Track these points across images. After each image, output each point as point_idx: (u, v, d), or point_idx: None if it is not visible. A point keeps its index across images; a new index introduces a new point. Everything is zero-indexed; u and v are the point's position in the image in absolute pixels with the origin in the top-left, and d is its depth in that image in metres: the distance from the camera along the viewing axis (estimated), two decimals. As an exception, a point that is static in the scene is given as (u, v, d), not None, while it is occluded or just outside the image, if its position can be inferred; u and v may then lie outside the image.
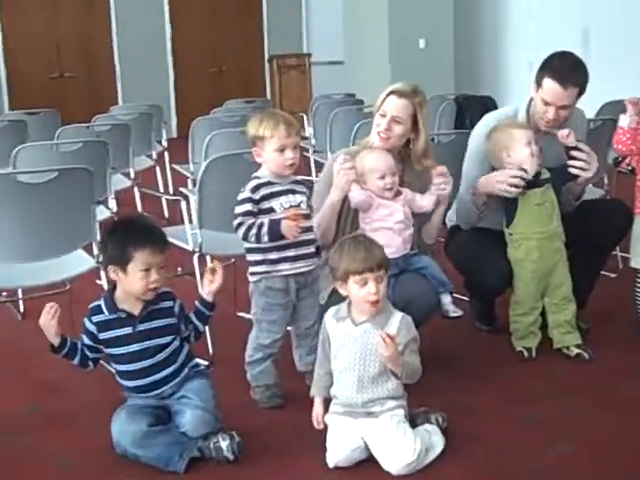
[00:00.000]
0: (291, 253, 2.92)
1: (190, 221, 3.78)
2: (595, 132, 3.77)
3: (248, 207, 2.88)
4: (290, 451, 2.72)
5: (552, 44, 9.75)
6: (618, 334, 3.59)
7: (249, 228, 2.86)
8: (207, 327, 3.36)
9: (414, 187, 3.25)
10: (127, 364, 2.69)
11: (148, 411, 2.68)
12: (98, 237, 3.40)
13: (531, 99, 3.48)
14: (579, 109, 3.54)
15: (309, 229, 2.96)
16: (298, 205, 2.93)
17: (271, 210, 2.89)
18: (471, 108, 7.25)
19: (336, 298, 3.05)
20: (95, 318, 2.67)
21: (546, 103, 3.34)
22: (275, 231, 2.84)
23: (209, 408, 2.68)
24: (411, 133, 3.26)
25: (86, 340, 2.69)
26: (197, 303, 2.80)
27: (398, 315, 2.61)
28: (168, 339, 2.72)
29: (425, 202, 3.21)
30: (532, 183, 3.27)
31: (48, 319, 2.58)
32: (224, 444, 2.59)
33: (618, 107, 5.06)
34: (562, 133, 3.29)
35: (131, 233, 2.65)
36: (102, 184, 4.30)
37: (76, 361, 2.70)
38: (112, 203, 4.46)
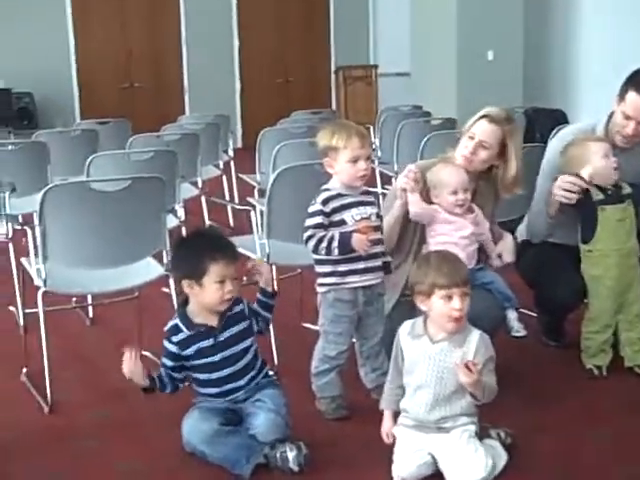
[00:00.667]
0: (360, 265, 2.91)
1: (257, 231, 3.81)
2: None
3: (319, 220, 2.88)
4: (355, 464, 2.71)
5: (626, 60, 9.59)
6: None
7: (320, 241, 2.86)
8: (273, 338, 3.41)
9: (485, 209, 3.23)
10: (209, 373, 2.73)
11: (220, 412, 2.73)
12: (168, 245, 3.44)
13: (611, 115, 3.42)
14: None
15: (379, 241, 2.95)
16: (369, 217, 2.92)
17: (342, 222, 2.89)
18: (541, 121, 7.16)
19: (400, 309, 3.05)
20: (175, 338, 2.71)
21: (627, 117, 3.28)
22: (346, 244, 2.84)
23: (282, 413, 2.72)
24: (497, 159, 3.23)
25: (169, 363, 2.73)
26: (259, 295, 2.85)
27: (476, 333, 2.56)
28: (248, 342, 2.78)
29: (491, 250, 3.22)
30: (614, 198, 3.22)
31: (132, 365, 2.61)
32: (291, 455, 2.60)
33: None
34: None
35: (203, 246, 2.69)
36: (171, 193, 4.35)
37: (169, 390, 2.75)
38: (180, 211, 4.51)
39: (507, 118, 3.23)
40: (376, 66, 11.86)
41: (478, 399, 2.53)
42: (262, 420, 2.69)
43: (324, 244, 2.85)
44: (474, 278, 3.09)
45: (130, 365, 2.60)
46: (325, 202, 2.89)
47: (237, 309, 2.77)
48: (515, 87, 9.79)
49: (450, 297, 2.48)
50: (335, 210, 2.89)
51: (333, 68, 12.41)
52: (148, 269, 3.47)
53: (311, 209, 2.91)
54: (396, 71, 11.64)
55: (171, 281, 3.48)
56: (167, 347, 2.73)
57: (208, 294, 2.65)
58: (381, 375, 3.06)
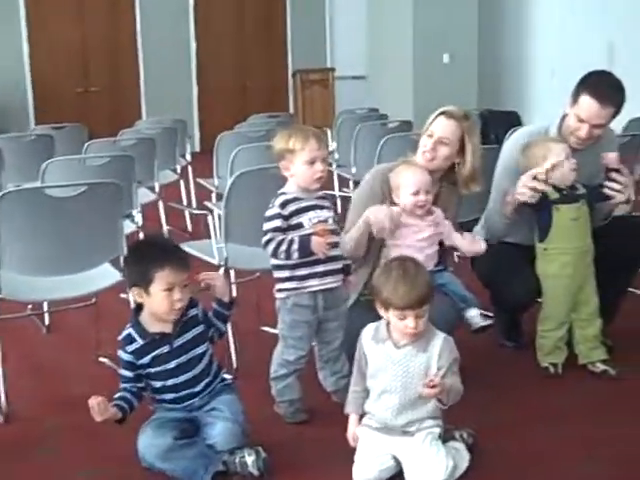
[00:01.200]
0: (320, 269, 2.92)
1: (215, 235, 3.80)
2: (622, 148, 3.75)
3: (277, 223, 2.88)
4: (315, 467, 2.71)
5: (576, 60, 9.75)
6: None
7: (279, 244, 2.86)
8: (232, 341, 3.41)
9: (448, 211, 3.26)
10: (164, 380, 2.70)
11: (174, 424, 2.69)
12: (125, 251, 3.42)
13: (563, 117, 3.46)
14: (610, 129, 3.52)
15: (337, 244, 2.97)
16: (325, 221, 2.93)
17: (300, 226, 2.90)
18: (496, 123, 7.25)
19: (358, 309, 3.07)
20: (130, 348, 2.68)
21: (580, 120, 3.32)
22: (305, 248, 2.84)
23: (239, 421, 2.70)
24: (457, 157, 3.26)
25: (128, 374, 2.69)
26: (214, 305, 2.82)
27: (440, 337, 2.57)
28: (203, 348, 2.75)
29: (457, 241, 3.19)
30: (569, 198, 3.27)
31: (102, 413, 2.55)
32: (250, 460, 2.59)
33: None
34: (611, 157, 3.27)
35: (150, 254, 2.65)
36: (128, 198, 4.32)
37: (136, 404, 2.70)
38: (138, 217, 4.49)
39: (465, 115, 3.27)
40: (333, 69, 11.89)
41: (444, 404, 2.55)
42: (219, 430, 2.66)
43: (283, 247, 2.85)
44: (433, 279, 3.12)
45: (100, 413, 2.54)
46: (283, 205, 2.89)
47: (191, 313, 2.74)
48: (470, 89, 9.90)
49: (405, 317, 2.49)
50: (293, 213, 2.90)
51: (290, 72, 12.42)
52: (105, 275, 3.44)
53: (269, 213, 2.90)
54: (353, 74, 11.69)
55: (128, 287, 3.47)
56: (122, 358, 2.69)
57: (156, 302, 2.61)
58: (341, 378, 3.08)
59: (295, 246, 2.84)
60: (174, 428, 2.67)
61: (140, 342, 2.67)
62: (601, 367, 3.34)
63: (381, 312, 2.57)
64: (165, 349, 2.68)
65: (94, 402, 2.52)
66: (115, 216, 3.41)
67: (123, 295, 3.54)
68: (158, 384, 2.72)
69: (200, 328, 2.76)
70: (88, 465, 2.79)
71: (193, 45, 12.15)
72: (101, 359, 3.64)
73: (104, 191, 3.37)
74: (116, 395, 2.67)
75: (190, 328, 2.73)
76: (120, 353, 2.69)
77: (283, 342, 3.02)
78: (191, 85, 12.24)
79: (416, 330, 2.49)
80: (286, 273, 2.94)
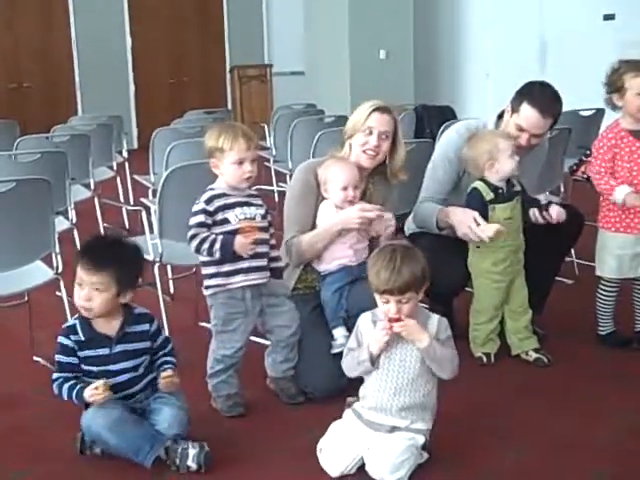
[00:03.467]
0: (245, 265, 2.91)
1: (151, 231, 3.77)
2: (551, 141, 3.83)
3: (201, 218, 2.86)
4: (253, 461, 2.71)
5: (509, 56, 9.92)
6: (575, 339, 3.64)
7: (202, 241, 2.84)
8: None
9: (387, 204, 3.29)
10: (103, 378, 2.66)
11: (122, 403, 2.68)
12: (57, 248, 3.38)
13: (498, 117, 3.52)
14: (544, 138, 3.58)
15: (264, 241, 2.96)
16: (253, 217, 2.92)
17: (226, 221, 2.89)
18: (430, 118, 7.31)
19: (294, 301, 3.08)
20: (73, 337, 2.65)
21: (521, 129, 3.38)
22: (227, 248, 2.83)
23: (184, 407, 2.70)
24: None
25: (65, 359, 2.64)
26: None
27: (435, 318, 2.61)
28: (142, 359, 2.73)
29: (378, 227, 3.22)
30: (503, 197, 3.31)
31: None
32: (192, 452, 2.59)
33: (575, 117, 5.18)
34: (560, 215, 3.31)
35: (88, 251, 2.67)
36: (61, 195, 4.27)
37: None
38: (72, 214, 4.44)
39: (390, 106, 3.32)
40: (271, 65, 11.89)
41: (436, 370, 2.56)
42: (166, 415, 2.66)
43: (206, 245, 2.84)
44: (364, 270, 3.13)
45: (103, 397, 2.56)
46: (208, 201, 2.88)
47: (140, 328, 2.73)
48: (406, 85, 9.98)
49: (387, 301, 2.51)
50: (219, 209, 2.89)
51: (228, 67, 12.37)
52: (37, 273, 3.40)
53: (194, 208, 2.89)
54: (291, 70, 11.70)
55: (62, 285, 3.43)
56: (62, 342, 2.65)
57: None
58: (291, 368, 3.10)
59: (217, 245, 2.83)
60: (122, 405, 2.66)
61: (81, 337, 2.65)
62: (534, 355, 3.41)
63: (375, 296, 2.58)
64: (105, 351, 2.66)
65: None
66: (46, 213, 3.37)
67: (58, 293, 3.49)
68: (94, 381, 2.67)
69: (145, 344, 2.74)
70: (21, 464, 2.74)
71: (129, 41, 12.02)
72: (36, 358, 3.58)
73: (34, 188, 3.33)
74: (66, 384, 2.64)
75: (134, 340, 2.71)
76: (61, 339, 2.65)
77: (218, 337, 3.00)
78: (127, 81, 12.10)
79: (397, 316, 2.50)
80: (212, 269, 2.92)
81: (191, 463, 2.58)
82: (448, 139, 3.60)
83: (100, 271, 2.59)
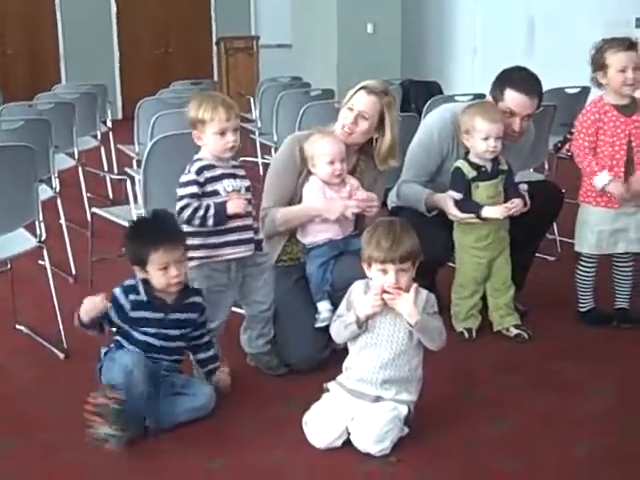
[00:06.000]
0: (232, 237, 2.91)
1: (135, 201, 3.76)
2: (537, 118, 3.84)
3: (194, 189, 2.85)
4: (230, 430, 2.73)
5: (497, 32, 9.90)
6: (556, 316, 3.67)
7: (195, 210, 2.83)
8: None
9: (365, 184, 3.28)
10: (144, 336, 2.71)
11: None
12: (41, 216, 3.37)
13: None
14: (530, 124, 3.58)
15: (249, 214, 2.96)
16: (239, 190, 2.92)
17: (215, 193, 2.88)
18: (417, 93, 7.32)
19: (277, 273, 3.10)
20: (131, 296, 2.68)
21: (512, 114, 3.38)
22: (221, 214, 2.83)
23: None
24: (376, 132, 3.28)
25: (113, 315, 2.67)
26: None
27: (424, 293, 2.62)
28: (188, 329, 2.80)
29: (362, 196, 3.21)
30: (487, 175, 3.32)
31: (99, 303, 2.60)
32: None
33: (560, 94, 5.19)
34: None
35: (144, 236, 2.68)
36: (45, 163, 4.24)
37: (96, 332, 2.70)
38: (55, 182, 4.41)
39: (385, 90, 3.28)
40: (257, 37, 11.82)
41: (425, 341, 2.58)
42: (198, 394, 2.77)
43: (200, 213, 2.83)
44: (349, 244, 3.17)
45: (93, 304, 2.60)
46: (199, 172, 2.87)
47: (196, 299, 2.80)
48: (393, 59, 9.95)
49: (386, 271, 2.52)
50: (208, 180, 2.88)
51: (214, 39, 12.28)
52: (21, 241, 3.38)
53: (184, 178, 2.88)
54: (277, 43, 11.64)
55: (45, 253, 3.42)
56: (119, 299, 2.67)
57: (155, 279, 2.67)
58: (267, 343, 3.12)
59: (212, 211, 2.83)
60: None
61: (142, 297, 2.68)
62: (514, 331, 3.44)
63: (367, 271, 2.59)
64: (159, 315, 2.70)
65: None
66: (29, 181, 3.34)
67: (41, 262, 3.48)
68: (137, 334, 2.71)
69: (196, 315, 2.80)
70: (3, 434, 2.73)
71: (114, 9, 11.91)
72: (18, 326, 3.58)
73: (16, 155, 3.29)
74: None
75: (188, 311, 2.77)
76: (117, 294, 2.67)
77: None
78: (112, 51, 12.01)
79: (396, 285, 2.51)
80: (197, 241, 2.91)
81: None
82: (430, 124, 3.58)
83: (178, 245, 2.68)
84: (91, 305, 2.58)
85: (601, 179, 3.32)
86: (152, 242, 2.64)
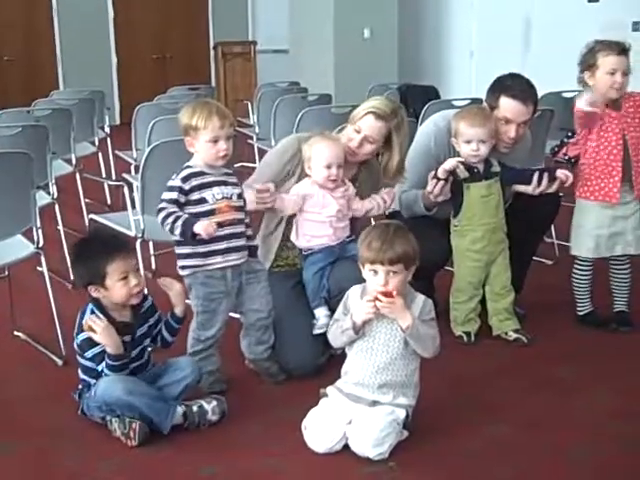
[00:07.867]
0: (222, 246, 2.89)
1: (133, 207, 3.76)
2: (534, 122, 3.84)
3: (174, 195, 2.82)
4: (233, 435, 2.72)
5: (494, 36, 9.90)
6: (554, 319, 3.67)
7: (167, 216, 2.80)
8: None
9: (364, 195, 3.29)
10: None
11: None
12: (38, 222, 3.36)
13: None
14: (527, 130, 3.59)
15: (240, 221, 2.94)
16: (230, 197, 2.90)
17: (203, 201, 2.85)
18: (414, 97, 7.31)
19: (273, 277, 3.10)
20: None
21: (507, 121, 3.39)
22: (187, 229, 2.78)
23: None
24: (382, 148, 3.28)
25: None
26: (168, 316, 2.86)
27: (421, 297, 2.63)
28: (154, 331, 2.84)
29: (356, 206, 3.24)
30: (478, 176, 3.34)
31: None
32: (209, 407, 2.73)
33: (557, 98, 5.19)
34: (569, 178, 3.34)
35: (95, 251, 2.67)
36: (42, 169, 4.24)
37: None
38: (53, 188, 4.41)
39: (393, 112, 3.24)
40: (255, 42, 11.82)
41: (418, 348, 2.57)
42: (174, 368, 2.78)
43: (170, 220, 2.79)
44: (345, 250, 3.16)
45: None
46: (185, 179, 2.85)
47: (147, 304, 2.81)
48: (390, 64, 9.95)
49: (376, 272, 2.52)
50: (195, 188, 2.85)
51: (212, 44, 12.29)
52: (19, 247, 3.38)
53: (170, 183, 2.85)
54: (275, 48, 11.65)
55: (43, 259, 3.41)
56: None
57: (116, 292, 2.66)
58: (268, 349, 3.10)
59: (179, 222, 2.79)
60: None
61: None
62: (514, 335, 3.44)
63: (363, 272, 2.59)
64: (128, 338, 2.70)
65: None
66: (27, 187, 3.33)
67: (39, 268, 3.47)
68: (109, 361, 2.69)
69: (155, 317, 2.83)
70: (2, 440, 2.74)
71: (111, 14, 11.91)
72: (16, 333, 3.58)
73: (14, 161, 3.29)
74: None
75: (148, 318, 2.79)
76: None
77: (199, 318, 2.97)
78: (110, 57, 12.01)
79: (385, 288, 2.51)
80: (187, 249, 2.89)
81: (211, 417, 2.72)
82: (425, 132, 3.61)
83: (130, 253, 2.73)
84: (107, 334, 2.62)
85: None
86: (107, 253, 2.64)
